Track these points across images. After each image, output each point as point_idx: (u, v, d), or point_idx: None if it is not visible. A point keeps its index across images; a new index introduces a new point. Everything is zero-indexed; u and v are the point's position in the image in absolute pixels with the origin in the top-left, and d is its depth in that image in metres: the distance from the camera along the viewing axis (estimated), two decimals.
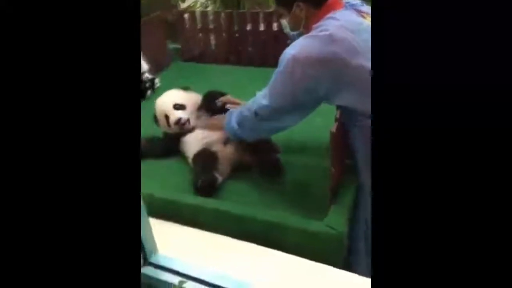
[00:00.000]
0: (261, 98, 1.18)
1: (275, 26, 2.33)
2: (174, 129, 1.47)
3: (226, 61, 2.50)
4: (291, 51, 1.09)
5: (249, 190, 1.28)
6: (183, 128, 1.46)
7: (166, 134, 1.54)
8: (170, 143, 1.49)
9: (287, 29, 1.24)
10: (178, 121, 1.44)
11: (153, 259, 0.93)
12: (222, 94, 1.51)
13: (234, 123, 1.27)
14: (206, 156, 1.33)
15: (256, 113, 1.19)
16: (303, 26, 1.17)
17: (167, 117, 1.47)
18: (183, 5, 3.19)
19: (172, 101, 1.49)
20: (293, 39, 1.23)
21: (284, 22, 1.23)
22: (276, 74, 1.14)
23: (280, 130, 1.28)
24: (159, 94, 1.61)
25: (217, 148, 1.37)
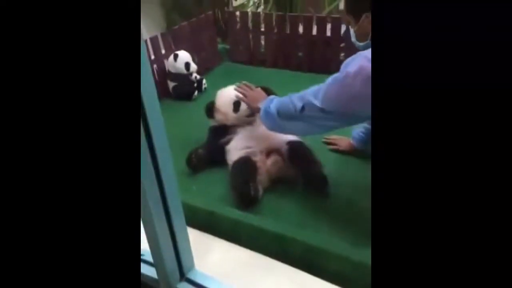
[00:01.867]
0: (311, 97, 1.14)
1: (328, 32, 2.26)
2: (240, 116, 1.47)
3: (275, 64, 2.46)
4: (355, 62, 1.03)
5: (292, 207, 1.24)
6: (252, 115, 1.46)
7: (214, 132, 1.53)
8: (217, 152, 1.48)
9: (354, 39, 1.19)
10: None
11: (190, 275, 0.92)
12: (269, 90, 1.51)
13: (273, 110, 1.24)
14: (246, 165, 1.31)
15: (303, 107, 1.15)
16: (370, 38, 1.12)
17: (236, 104, 1.48)
18: (235, 3, 3.19)
19: None
20: (360, 50, 1.17)
21: (352, 31, 1.18)
22: (333, 80, 1.09)
23: (324, 131, 1.24)
24: (207, 95, 1.62)
25: (258, 158, 1.34)
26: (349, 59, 1.10)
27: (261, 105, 1.31)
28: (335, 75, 1.10)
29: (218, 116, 1.53)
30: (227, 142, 1.45)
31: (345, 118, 1.11)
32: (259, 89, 1.44)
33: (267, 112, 1.27)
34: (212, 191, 1.34)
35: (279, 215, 1.19)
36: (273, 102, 1.27)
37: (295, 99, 1.19)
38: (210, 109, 1.55)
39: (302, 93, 1.19)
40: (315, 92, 1.14)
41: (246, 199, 1.22)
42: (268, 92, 1.50)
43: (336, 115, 1.10)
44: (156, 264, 0.88)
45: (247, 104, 1.41)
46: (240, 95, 1.42)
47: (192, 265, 0.94)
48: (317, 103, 1.11)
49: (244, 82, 1.48)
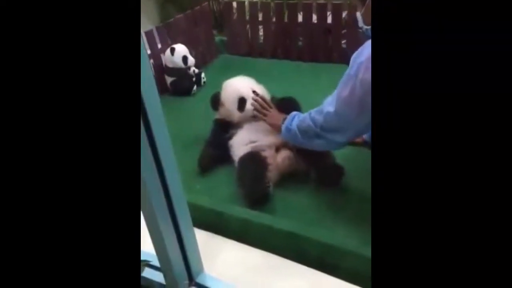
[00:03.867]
0: (329, 106, 1.08)
1: (329, 19, 2.19)
2: (246, 115, 1.38)
3: (274, 55, 2.39)
4: (364, 53, 0.98)
5: (304, 203, 1.19)
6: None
7: (219, 126, 1.45)
8: (223, 147, 1.39)
9: (361, 23, 1.12)
10: None
11: (199, 279, 0.87)
12: (294, 101, 1.43)
13: (294, 127, 1.18)
14: (254, 161, 1.24)
15: (322, 127, 1.10)
16: None
17: (242, 100, 1.38)
18: None
19: (250, 86, 1.41)
20: (366, 34, 1.11)
21: (359, 15, 1.11)
22: (346, 77, 1.04)
23: (344, 144, 1.17)
24: (207, 90, 1.55)
25: (267, 153, 1.28)
26: (358, 50, 1.04)
27: (283, 123, 1.24)
28: (347, 71, 1.04)
29: (223, 111, 1.45)
30: (232, 137, 1.38)
31: (360, 121, 1.03)
32: (274, 110, 1.35)
33: (289, 130, 1.21)
34: (218, 189, 1.28)
35: (291, 212, 1.14)
36: (295, 120, 1.21)
37: (314, 114, 1.13)
38: (216, 101, 1.46)
39: (321, 105, 1.13)
40: (331, 100, 1.09)
41: (256, 197, 1.16)
42: (292, 103, 1.42)
43: (351, 117, 1.03)
44: (164, 268, 0.84)
45: (269, 124, 1.32)
46: (260, 115, 1.33)
47: (201, 269, 0.90)
48: (332, 107, 1.06)
49: (258, 94, 1.37)
